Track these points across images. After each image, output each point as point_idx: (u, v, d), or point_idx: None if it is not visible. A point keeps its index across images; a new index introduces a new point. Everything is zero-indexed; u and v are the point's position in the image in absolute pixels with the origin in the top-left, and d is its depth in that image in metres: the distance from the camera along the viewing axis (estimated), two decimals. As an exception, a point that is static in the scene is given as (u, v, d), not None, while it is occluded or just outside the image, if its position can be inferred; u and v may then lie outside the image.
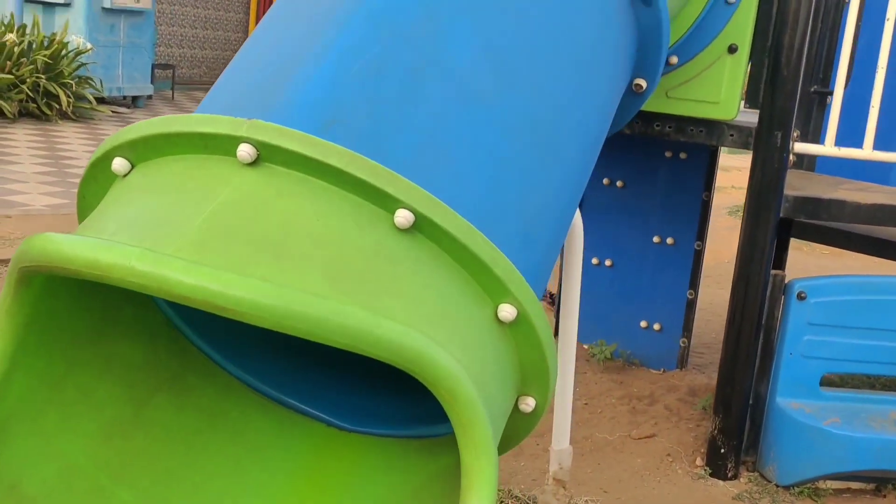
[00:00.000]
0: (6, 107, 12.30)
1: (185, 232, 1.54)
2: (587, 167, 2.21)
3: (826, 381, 3.99)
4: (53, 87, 13.21)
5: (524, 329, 1.74)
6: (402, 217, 1.60)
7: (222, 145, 1.64)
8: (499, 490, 3.26)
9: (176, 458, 2.11)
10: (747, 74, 4.11)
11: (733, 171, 13.29)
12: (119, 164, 1.76)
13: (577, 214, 2.75)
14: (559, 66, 2.11)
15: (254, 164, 1.63)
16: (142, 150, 1.74)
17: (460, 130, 1.80)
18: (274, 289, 1.42)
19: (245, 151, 1.61)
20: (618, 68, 2.38)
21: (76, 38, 14.24)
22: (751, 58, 3.93)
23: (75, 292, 1.92)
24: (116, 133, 1.77)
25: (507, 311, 1.70)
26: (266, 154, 1.62)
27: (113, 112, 14.87)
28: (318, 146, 1.59)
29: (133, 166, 1.77)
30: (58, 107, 13.22)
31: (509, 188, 1.84)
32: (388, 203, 1.61)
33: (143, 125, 1.73)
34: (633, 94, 2.65)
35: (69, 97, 13.41)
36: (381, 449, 2.16)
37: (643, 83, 2.61)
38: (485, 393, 1.61)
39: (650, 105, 3.88)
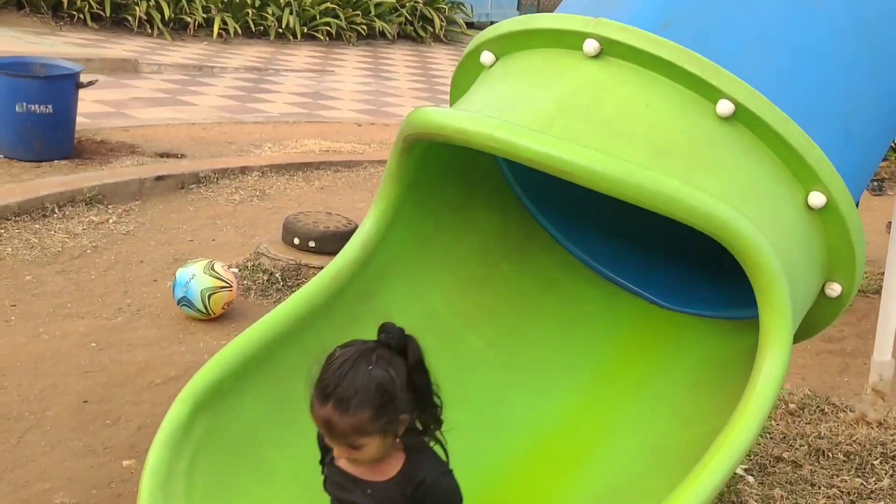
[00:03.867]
0: (388, 28, 13.41)
1: (536, 110, 1.85)
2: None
3: None
4: (429, 12, 14.20)
5: (833, 216, 1.89)
6: (724, 106, 1.81)
7: (572, 40, 1.93)
8: (817, 396, 3.35)
9: (518, 316, 2.47)
10: None
11: None
12: (486, 56, 2.10)
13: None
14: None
15: (597, 56, 1.90)
16: (505, 45, 2.07)
17: (786, 31, 1.95)
18: (605, 157, 1.70)
19: (591, 46, 1.89)
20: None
21: (452, -35, 15.10)
22: None
23: (444, 167, 2.31)
24: (484, 30, 2.11)
25: (816, 198, 1.86)
26: (608, 48, 1.89)
27: (481, 36, 15.67)
28: (653, 41, 1.84)
29: (497, 59, 2.10)
30: (431, 30, 14.23)
31: (832, 87, 1.96)
32: (711, 93, 1.82)
33: (508, 23, 2.06)
34: None
35: (442, 21, 14.37)
36: (695, 327, 2.39)
37: None
38: (788, 266, 1.79)
39: None
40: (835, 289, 2.03)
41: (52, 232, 4.19)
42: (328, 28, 12.20)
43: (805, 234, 1.90)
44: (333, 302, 2.20)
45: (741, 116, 1.83)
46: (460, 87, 2.24)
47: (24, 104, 4.87)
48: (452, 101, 2.29)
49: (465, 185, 2.42)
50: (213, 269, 3.48)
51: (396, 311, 2.33)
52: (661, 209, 1.71)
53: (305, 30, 11.93)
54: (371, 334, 2.36)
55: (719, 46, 1.91)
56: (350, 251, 2.23)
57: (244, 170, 5.38)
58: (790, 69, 1.93)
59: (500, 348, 2.42)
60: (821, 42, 1.97)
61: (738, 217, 1.71)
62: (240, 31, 11.06)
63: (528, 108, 1.86)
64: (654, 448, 2.14)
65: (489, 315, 2.45)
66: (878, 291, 4.81)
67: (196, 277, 3.43)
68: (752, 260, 1.72)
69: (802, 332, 2.19)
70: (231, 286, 3.51)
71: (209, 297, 3.43)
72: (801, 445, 3.01)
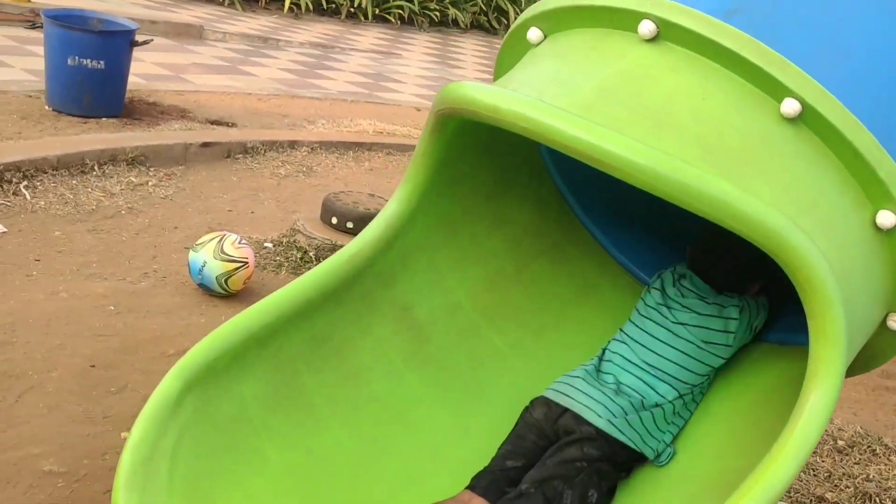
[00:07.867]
0: (461, 17, 13.24)
1: (577, 92, 1.67)
2: None
3: None
4: (504, 3, 13.99)
5: (903, 240, 1.68)
6: (789, 106, 1.61)
7: (626, 20, 1.74)
8: (869, 435, 3.12)
9: (547, 319, 2.29)
10: None
11: None
12: (533, 33, 1.92)
13: None
14: None
15: (652, 40, 1.71)
16: (554, 21, 1.88)
17: (866, 33, 1.74)
18: (648, 149, 1.51)
19: (646, 27, 1.70)
20: None
21: (532, -42, 14.88)
22: None
23: (479, 152, 2.14)
24: (533, 5, 1.93)
25: (886, 218, 1.65)
26: (665, 31, 1.70)
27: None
28: (715, 27, 1.64)
29: (545, 37, 1.92)
30: (506, 22, 14.01)
31: (913, 95, 1.76)
32: (776, 90, 1.62)
33: (559, -2, 1.87)
34: None
35: (517, 14, 14.15)
36: (741, 351, 2.18)
37: None
38: (847, 290, 1.59)
39: None
40: (898, 321, 1.82)
41: (89, 189, 4.09)
42: (400, 11, 12.07)
43: (869, 257, 1.69)
44: (349, 286, 2.05)
45: (808, 118, 1.62)
46: (504, 66, 2.06)
47: (76, 58, 4.78)
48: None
49: (501, 172, 2.24)
50: (223, 251, 3.33)
51: (417, 300, 2.17)
52: (707, 212, 1.52)
53: (377, 11, 11.81)
54: (388, 324, 2.22)
55: (790, 40, 1.70)
56: (371, 232, 2.08)
57: (293, 144, 5.25)
58: (867, 72, 1.72)
59: (523, 351, 2.25)
60: (903, 47, 1.76)
61: (793, 229, 1.51)
62: (311, 7, 10.98)
63: (567, 91, 1.68)
64: (683, 477, 1.95)
65: (516, 315, 2.27)
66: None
67: (207, 265, 3.31)
68: (806, 279, 1.52)
69: (859, 366, 1.98)
70: (247, 262, 3.38)
71: (226, 280, 3.32)
72: (847, 487, 2.79)
